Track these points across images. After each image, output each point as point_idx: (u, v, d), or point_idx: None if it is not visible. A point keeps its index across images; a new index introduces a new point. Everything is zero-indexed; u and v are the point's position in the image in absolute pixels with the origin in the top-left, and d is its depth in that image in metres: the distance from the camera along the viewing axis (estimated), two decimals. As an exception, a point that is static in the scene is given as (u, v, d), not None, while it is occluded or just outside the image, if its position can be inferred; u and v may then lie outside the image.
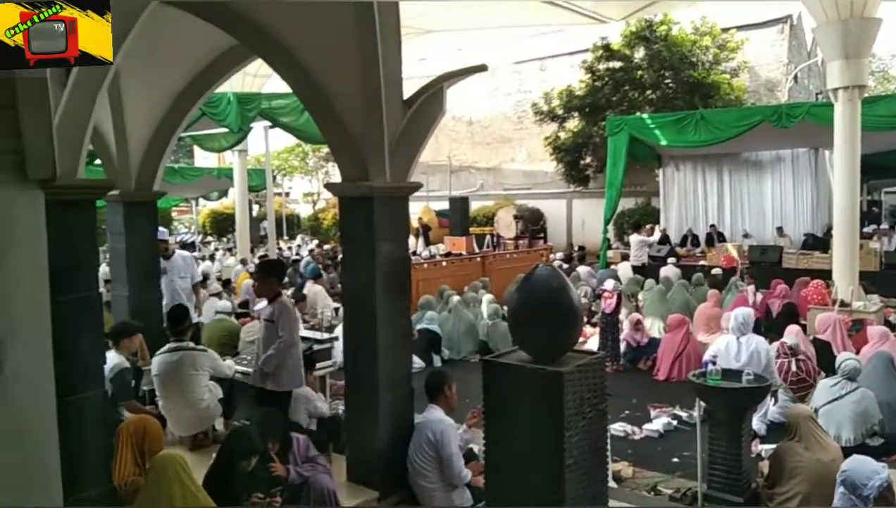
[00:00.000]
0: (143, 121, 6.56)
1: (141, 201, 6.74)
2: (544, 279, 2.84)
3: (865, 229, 16.87)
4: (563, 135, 20.71)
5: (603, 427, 3.00)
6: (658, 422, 6.48)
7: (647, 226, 16.18)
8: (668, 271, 12.67)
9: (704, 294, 10.29)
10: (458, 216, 16.35)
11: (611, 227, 17.31)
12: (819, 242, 14.96)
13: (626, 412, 6.87)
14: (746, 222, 17.79)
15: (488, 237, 17.57)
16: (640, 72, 18.76)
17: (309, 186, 29.09)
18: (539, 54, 23.28)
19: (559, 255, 15.93)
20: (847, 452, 4.41)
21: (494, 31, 16.04)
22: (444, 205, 18.23)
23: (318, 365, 5.86)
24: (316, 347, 6.06)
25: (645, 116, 16.02)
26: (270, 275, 5.04)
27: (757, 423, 6.09)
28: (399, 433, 4.58)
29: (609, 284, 8.76)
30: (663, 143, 15.16)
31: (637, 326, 8.78)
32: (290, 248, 21.48)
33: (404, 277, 4.80)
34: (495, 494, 3.12)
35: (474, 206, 22.52)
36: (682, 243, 17.07)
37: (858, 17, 9.31)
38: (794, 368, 6.44)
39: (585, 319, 10.18)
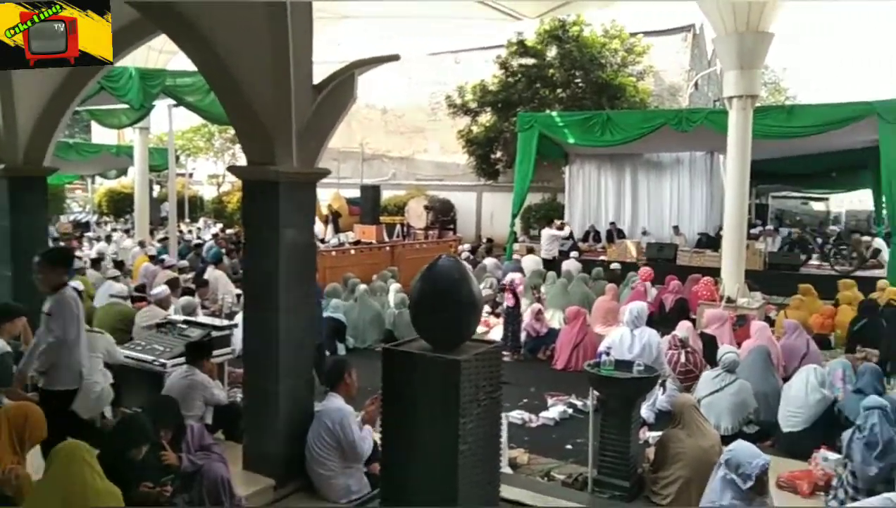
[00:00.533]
0: (35, 90, 6.17)
1: (29, 177, 6.36)
2: (446, 270, 2.89)
3: (753, 231, 18.01)
4: (475, 129, 20.95)
5: (497, 415, 3.09)
6: (554, 410, 6.69)
7: (558, 222, 16.67)
8: (570, 264, 13.09)
9: (603, 288, 10.70)
10: (369, 205, 16.26)
11: (518, 220, 17.70)
12: (711, 241, 15.82)
13: (525, 400, 7.07)
14: (645, 220, 18.62)
15: (399, 227, 17.58)
16: (551, 70, 19.20)
17: (214, 168, 28.16)
18: (455, 47, 23.41)
19: (467, 246, 16.13)
20: (726, 440, 4.73)
21: (411, 20, 15.99)
22: (356, 193, 18.10)
23: (216, 352, 5.72)
24: (214, 334, 5.92)
25: (554, 113, 16.43)
26: (56, 265, 4.55)
27: (646, 411, 6.40)
28: (298, 422, 4.55)
29: (510, 277, 8.97)
30: (571, 141, 15.60)
31: (538, 316, 9.03)
32: (191, 231, 20.81)
33: (309, 264, 4.76)
34: (391, 480, 3.16)
35: (386, 195, 22.43)
36: (585, 239, 17.67)
37: (753, 30, 9.89)
38: (682, 359, 6.81)
39: (490, 309, 10.42)
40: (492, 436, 3.02)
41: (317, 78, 4.65)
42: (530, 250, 14.61)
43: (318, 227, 18.32)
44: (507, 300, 8.74)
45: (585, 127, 15.02)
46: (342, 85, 4.72)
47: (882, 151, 12.04)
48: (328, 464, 4.40)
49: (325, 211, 17.86)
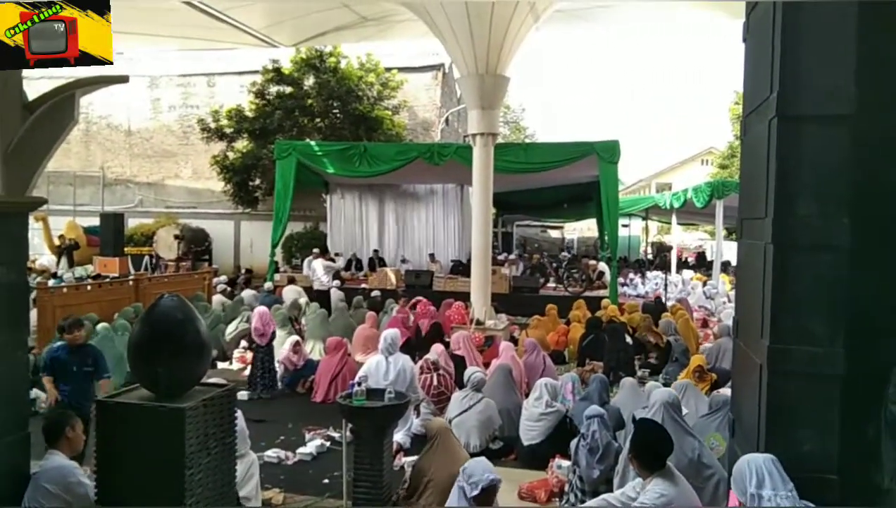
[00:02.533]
0: None
1: None
2: (168, 311, 2.67)
3: (500, 257, 19.50)
4: (231, 155, 20.18)
5: (231, 461, 2.90)
6: (312, 445, 6.53)
7: (333, 253, 16.67)
8: (332, 294, 13.04)
9: (363, 316, 10.80)
10: (111, 234, 14.80)
11: (279, 250, 17.29)
12: (464, 267, 16.72)
13: (282, 437, 6.82)
14: (404, 248, 19.23)
15: (147, 258, 16.28)
16: (309, 100, 19.15)
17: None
18: (208, 70, 22.42)
19: (223, 278, 15.37)
20: (474, 457, 4.93)
21: (160, 39, 14.98)
22: (95, 221, 16.42)
23: None
24: None
25: (313, 143, 16.39)
26: None
27: (402, 436, 6.49)
28: (10, 487, 3.89)
29: (257, 315, 8.64)
30: (330, 170, 15.65)
31: (295, 348, 8.82)
32: None
33: (17, 306, 4.13)
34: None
35: (132, 223, 20.81)
36: (347, 268, 17.76)
37: (493, 73, 10.66)
38: (435, 382, 7.04)
39: (247, 344, 9.99)
40: (225, 484, 2.83)
41: (33, 94, 4.10)
42: (291, 281, 14.29)
43: (49, 260, 16.36)
44: (259, 338, 8.43)
45: (344, 157, 15.17)
46: (60, 105, 4.20)
47: (602, 184, 13.71)
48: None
49: (57, 242, 15.96)
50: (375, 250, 18.77)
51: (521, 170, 14.34)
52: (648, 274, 18.91)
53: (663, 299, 13.93)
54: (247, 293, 13.38)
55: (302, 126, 19.28)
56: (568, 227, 34.60)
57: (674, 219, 21.50)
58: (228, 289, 13.96)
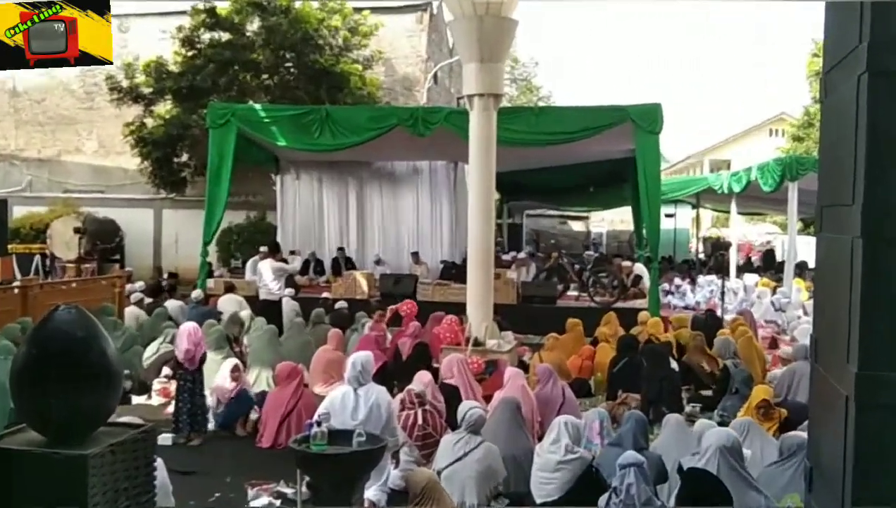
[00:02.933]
0: None
1: None
2: (64, 327, 2.65)
3: (505, 257, 19.56)
4: (150, 122, 20.11)
5: (148, 527, 2.89)
6: (257, 503, 6.53)
7: (286, 251, 16.68)
8: (284, 305, 13.04)
9: (325, 334, 10.79)
10: (-10, 228, 14.75)
11: (214, 248, 17.24)
12: (458, 270, 16.75)
13: (217, 494, 6.81)
14: (379, 245, 19.32)
15: (37, 259, 16.26)
16: (254, 55, 19.09)
17: None
18: (118, 10, 22.33)
19: (139, 285, 15.31)
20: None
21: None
22: (-31, 210, 16.36)
23: None
24: None
25: (258, 106, 16.36)
26: None
27: (376, 492, 6.48)
28: None
29: (185, 333, 8.58)
30: (281, 143, 15.61)
31: (234, 376, 8.80)
32: None
33: None
34: None
35: (18, 213, 20.73)
36: (304, 271, 17.75)
37: (495, 15, 10.60)
38: (420, 421, 7.03)
39: (169, 372, 9.97)
40: (142, 557, 2.81)
41: None
42: (230, 288, 14.27)
43: None
44: (187, 361, 8.38)
45: (299, 125, 15.13)
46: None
47: (638, 162, 13.75)
48: None
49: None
50: (341, 249, 18.81)
51: (532, 142, 14.35)
52: (700, 279, 19.00)
53: (719, 312, 13.99)
54: (171, 305, 13.32)
55: (244, 84, 19.26)
56: (594, 218, 34.85)
57: (733, 207, 21.59)
58: (146, 299, 13.91)
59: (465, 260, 14.94)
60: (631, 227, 22.84)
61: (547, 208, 30.85)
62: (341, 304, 13.44)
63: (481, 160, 11.06)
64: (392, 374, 9.48)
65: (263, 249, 15.62)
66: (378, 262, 18.50)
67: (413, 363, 9.54)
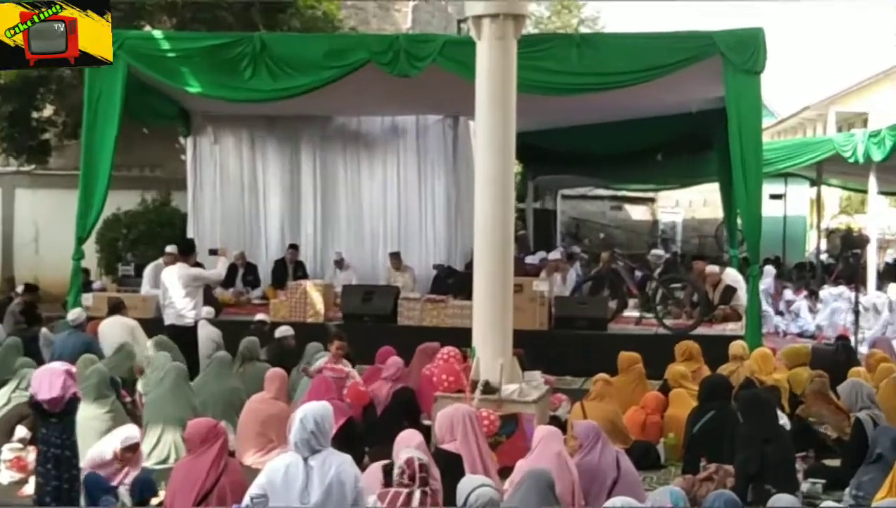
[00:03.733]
0: None
1: None
2: None
3: (530, 260, 19.51)
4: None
5: None
6: None
7: (207, 252, 16.66)
8: (199, 332, 13.06)
9: (261, 376, 10.76)
10: None
11: (92, 246, 17.20)
12: (459, 279, 16.73)
13: None
14: (342, 239, 19.49)
15: None
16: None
17: None
18: None
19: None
20: None
21: None
22: None
23: None
24: None
25: (158, 33, 16.30)
26: None
27: None
28: None
29: (47, 375, 8.53)
30: (193, 89, 15.53)
31: (124, 455, 8.77)
32: None
33: None
34: None
35: None
36: (229, 281, 17.69)
37: None
38: (415, 504, 7.00)
39: (25, 432, 9.92)
40: None
41: None
42: (116, 308, 14.18)
43: None
44: (46, 405, 8.33)
45: (221, 62, 15.03)
46: None
47: (730, 116, 13.71)
48: None
49: None
50: (292, 246, 18.94)
51: (571, 88, 14.40)
52: (823, 292, 18.93)
53: (853, 341, 13.94)
54: (44, 333, 13.36)
55: (136, 2, 19.20)
56: (663, 200, 34.63)
57: (872, 183, 21.56)
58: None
59: (469, 264, 14.91)
60: (719, 214, 22.76)
61: (592, 187, 30.69)
62: (285, 331, 13.38)
63: (494, 115, 11.01)
64: (361, 436, 9.50)
65: (170, 248, 15.57)
66: (339, 264, 18.53)
67: (392, 418, 9.54)
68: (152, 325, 13.62)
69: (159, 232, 18.67)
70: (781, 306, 17.87)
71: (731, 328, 14.89)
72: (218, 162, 19.38)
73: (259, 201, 19.57)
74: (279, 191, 19.57)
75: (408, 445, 7.84)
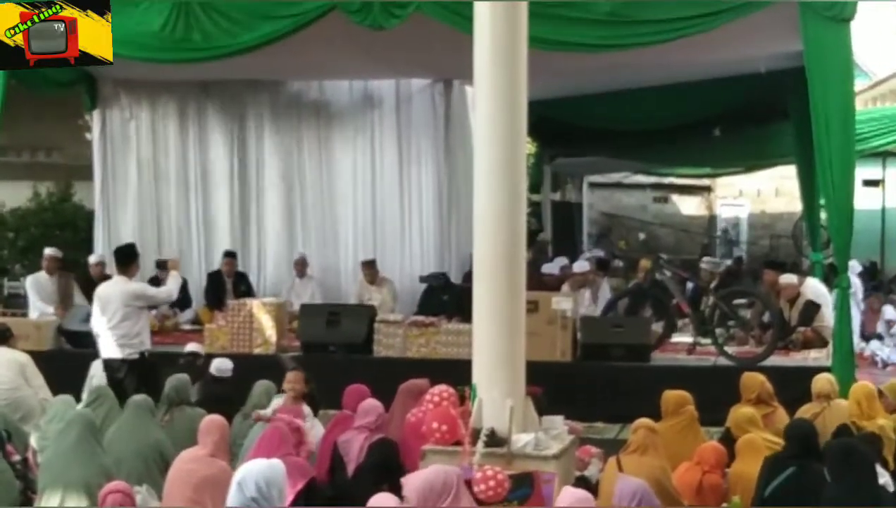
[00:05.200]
0: None
1: None
2: None
3: (547, 267, 19.56)
4: None
5: None
6: None
7: (154, 264, 16.66)
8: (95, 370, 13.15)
9: (193, 427, 10.76)
10: None
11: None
12: (453, 295, 16.74)
13: None
14: (297, 243, 19.73)
15: None
16: None
17: None
18: None
19: None
20: None
21: None
22: None
23: None
24: None
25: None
26: None
27: None
28: None
29: None
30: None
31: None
32: None
33: None
34: None
35: None
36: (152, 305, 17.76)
37: None
38: None
39: None
40: None
41: None
42: (2, 338, 14.20)
43: None
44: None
45: (134, 11, 15.08)
46: None
47: (811, 78, 13.71)
48: None
49: None
50: (229, 254, 19.04)
51: (599, 44, 14.39)
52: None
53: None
54: None
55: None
56: (722, 188, 34.59)
57: None
58: None
59: (467, 275, 14.92)
60: (796, 206, 22.79)
61: (629, 173, 30.61)
62: (221, 365, 13.37)
63: (499, 78, 10.97)
64: (327, 502, 9.47)
65: (93, 258, 15.63)
66: (301, 268, 18.72)
67: (367, 479, 9.52)
68: (50, 359, 13.61)
69: (58, 236, 18.65)
70: (880, 328, 17.85)
71: (813, 356, 14.94)
72: (134, 143, 19.44)
73: (190, 194, 19.65)
74: (217, 180, 19.67)
75: (381, 509, 7.83)
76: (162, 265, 16.39)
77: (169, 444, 10.94)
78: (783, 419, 11.39)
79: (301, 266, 18.51)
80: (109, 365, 13.08)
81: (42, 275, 15.69)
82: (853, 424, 10.93)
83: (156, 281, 14.99)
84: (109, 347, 13.24)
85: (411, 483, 8.70)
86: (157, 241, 19.06)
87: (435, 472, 8.75)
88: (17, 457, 10.86)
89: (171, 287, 14.55)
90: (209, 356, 14.12)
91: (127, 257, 14.16)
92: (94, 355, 13.91)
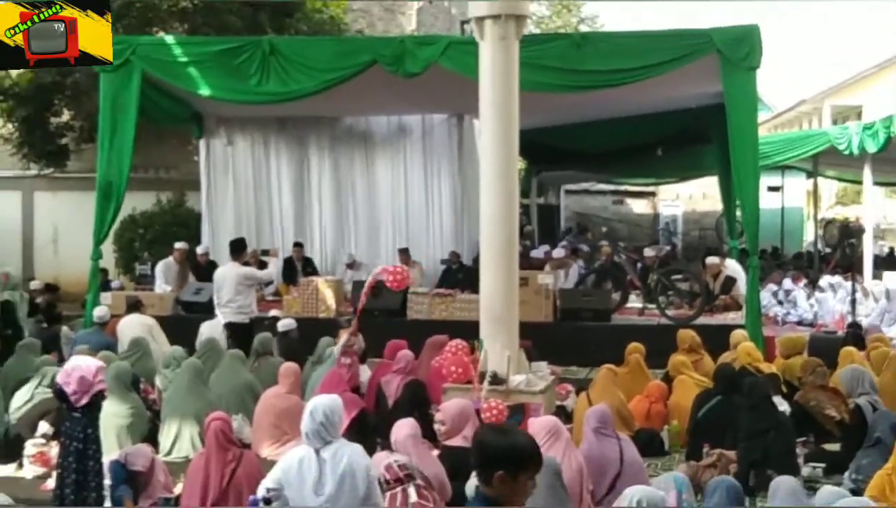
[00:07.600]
0: None
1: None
2: None
3: (535, 254, 19.52)
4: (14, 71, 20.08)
5: None
6: None
7: (259, 251, 16.74)
8: (209, 328, 13.11)
9: (273, 371, 10.77)
10: None
11: (109, 245, 17.19)
12: (466, 274, 16.75)
13: None
14: (353, 239, 19.63)
15: None
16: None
17: None
18: None
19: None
20: None
21: None
22: None
23: None
24: None
25: (170, 38, 16.28)
26: None
27: None
28: None
29: (73, 372, 8.47)
30: (204, 92, 15.52)
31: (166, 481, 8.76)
32: None
33: None
34: None
35: None
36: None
37: None
38: (415, 499, 6.97)
39: (48, 428, 9.91)
40: None
41: None
42: (134, 306, 14.18)
43: None
44: (73, 399, 8.31)
45: (231, 66, 15.02)
46: None
47: (728, 111, 13.68)
48: None
49: None
50: (297, 244, 18.99)
51: (573, 86, 14.36)
52: (823, 281, 18.86)
53: (852, 330, 13.92)
54: (49, 332, 13.34)
55: (149, 7, 19.15)
56: (664, 194, 34.64)
57: (867, 174, 21.45)
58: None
59: (476, 259, 14.94)
60: (718, 206, 22.75)
61: (595, 182, 30.74)
62: (287, 324, 13.35)
63: (498, 113, 10.99)
64: (374, 427, 9.51)
65: (200, 249, 15.71)
66: (352, 265, 18.64)
67: (403, 409, 9.49)
68: (170, 322, 13.66)
69: (175, 232, 18.69)
70: (780, 295, 17.79)
71: (731, 317, 14.95)
72: (230, 163, 19.42)
73: (271, 201, 19.60)
74: (290, 191, 19.64)
75: (398, 433, 7.80)
76: (265, 253, 16.60)
77: (257, 384, 10.98)
78: (709, 364, 11.45)
79: (350, 265, 18.62)
80: (231, 327, 13.26)
81: (170, 260, 15.80)
82: (753, 367, 11.01)
83: (262, 266, 15.04)
84: (230, 315, 13.43)
85: (448, 409, 8.77)
86: (249, 236, 19.03)
87: (464, 402, 8.92)
88: (153, 395, 10.93)
89: (271, 271, 15.07)
90: (284, 320, 14.19)
91: (239, 247, 14.33)
92: (202, 318, 14.02)
